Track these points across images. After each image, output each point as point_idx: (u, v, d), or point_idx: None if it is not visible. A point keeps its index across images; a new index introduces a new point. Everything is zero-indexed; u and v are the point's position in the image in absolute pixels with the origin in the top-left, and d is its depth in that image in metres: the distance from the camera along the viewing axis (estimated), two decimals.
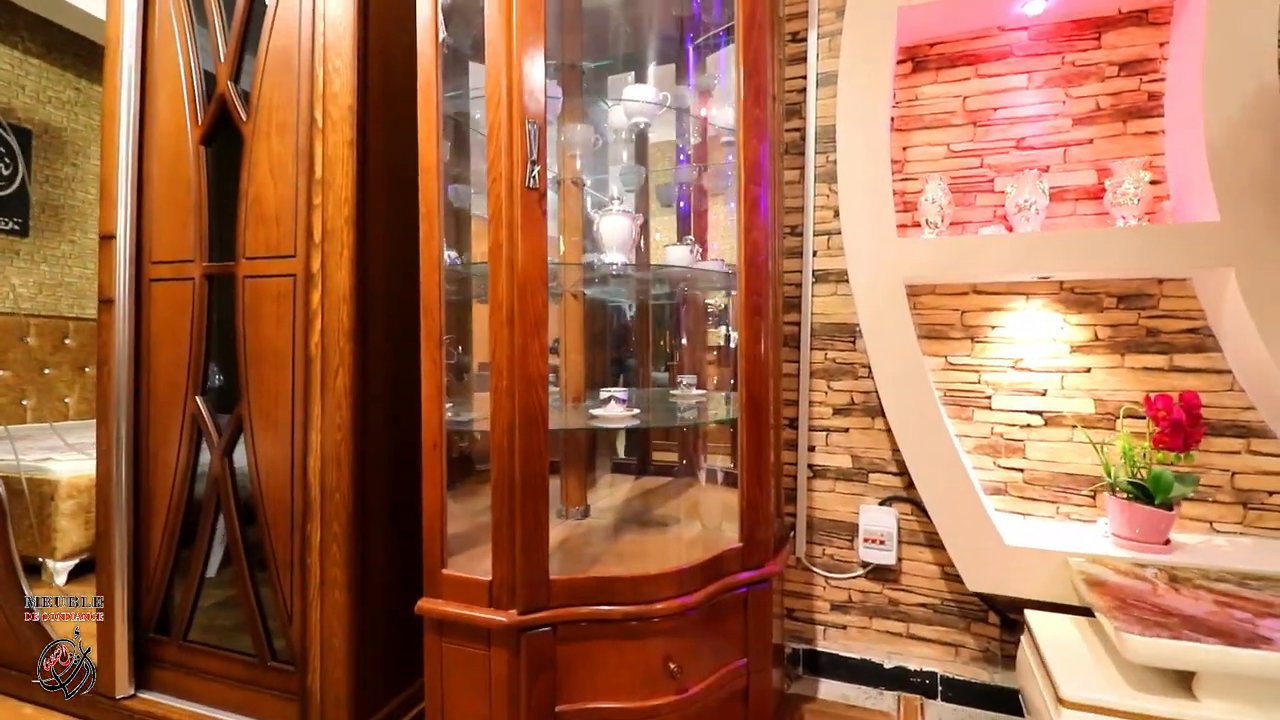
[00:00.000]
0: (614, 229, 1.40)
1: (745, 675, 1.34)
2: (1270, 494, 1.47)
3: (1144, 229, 1.42)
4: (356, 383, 1.34)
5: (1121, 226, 1.46)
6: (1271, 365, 1.35)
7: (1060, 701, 1.15)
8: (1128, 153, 1.55)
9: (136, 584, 1.55)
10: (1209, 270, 1.40)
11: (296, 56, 1.38)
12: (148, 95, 1.54)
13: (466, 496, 1.63)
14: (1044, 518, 1.64)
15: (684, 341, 1.94)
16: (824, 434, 1.84)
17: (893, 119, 1.71)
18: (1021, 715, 1.59)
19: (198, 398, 1.49)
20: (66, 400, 3.28)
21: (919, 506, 1.72)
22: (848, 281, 1.78)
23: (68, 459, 2.35)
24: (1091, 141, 1.60)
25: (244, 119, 1.44)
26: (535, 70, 1.13)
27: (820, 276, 1.83)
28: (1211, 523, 1.52)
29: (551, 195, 1.36)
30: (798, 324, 1.85)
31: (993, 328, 1.68)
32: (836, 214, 1.78)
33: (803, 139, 1.84)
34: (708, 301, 1.93)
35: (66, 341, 3.29)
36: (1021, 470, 1.66)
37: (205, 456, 1.52)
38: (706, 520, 1.57)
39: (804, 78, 1.83)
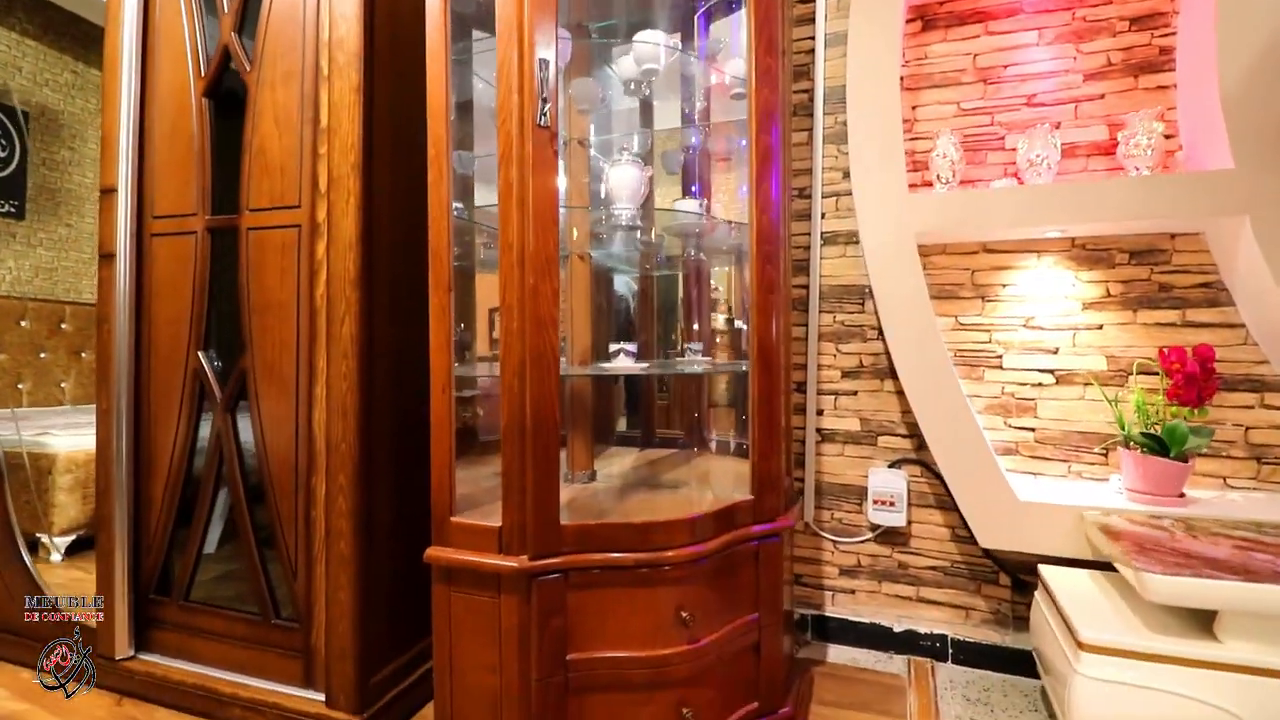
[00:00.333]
0: (623, 179, 1.38)
1: (757, 630, 1.32)
2: None
3: (1158, 178, 1.41)
4: (363, 331, 1.32)
5: (1135, 176, 1.45)
6: None
7: (1080, 645, 1.13)
8: (1139, 107, 1.53)
9: (137, 544, 1.52)
10: (1224, 219, 1.39)
11: (302, 4, 1.37)
12: (150, 48, 1.52)
13: (471, 465, 1.60)
14: (1056, 477, 1.62)
15: (691, 309, 1.91)
16: (832, 397, 1.82)
17: (902, 78, 1.70)
18: (1033, 678, 1.57)
19: (200, 353, 1.47)
20: (63, 385, 3.24)
21: (929, 469, 1.71)
22: (857, 243, 1.76)
23: (66, 434, 2.33)
24: (1103, 97, 1.59)
25: (248, 68, 1.42)
26: (545, 3, 1.12)
27: (829, 239, 1.82)
28: (1225, 478, 1.51)
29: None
30: (806, 287, 1.83)
31: (1004, 286, 1.66)
32: (845, 175, 1.77)
33: (810, 100, 1.83)
34: (714, 269, 1.90)
35: (63, 325, 3.25)
36: (1033, 430, 1.65)
37: (208, 417, 1.49)
38: (716, 488, 1.54)
39: (812, 39, 1.82)
